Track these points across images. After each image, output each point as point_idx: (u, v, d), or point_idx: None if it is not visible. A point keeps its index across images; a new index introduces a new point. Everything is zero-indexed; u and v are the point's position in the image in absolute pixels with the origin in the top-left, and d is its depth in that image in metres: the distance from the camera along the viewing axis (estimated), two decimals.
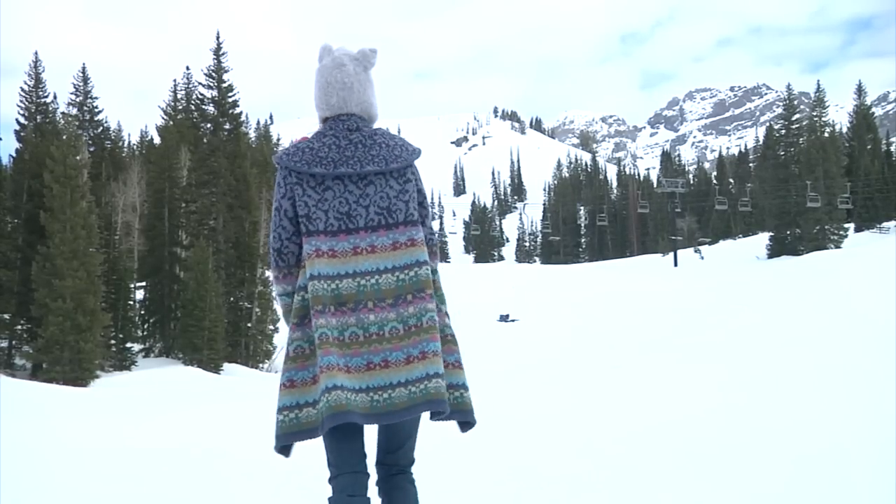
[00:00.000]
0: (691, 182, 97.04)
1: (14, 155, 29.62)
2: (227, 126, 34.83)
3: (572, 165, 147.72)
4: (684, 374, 10.77)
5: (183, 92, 39.24)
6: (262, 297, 33.01)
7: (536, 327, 29.72)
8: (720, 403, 7.41)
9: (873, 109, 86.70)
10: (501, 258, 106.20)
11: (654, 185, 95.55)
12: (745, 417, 6.54)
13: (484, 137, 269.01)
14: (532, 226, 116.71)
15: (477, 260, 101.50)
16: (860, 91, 61.84)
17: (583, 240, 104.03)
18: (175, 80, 40.32)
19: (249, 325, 32.44)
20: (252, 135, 66.21)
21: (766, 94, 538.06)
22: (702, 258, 54.88)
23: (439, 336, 2.19)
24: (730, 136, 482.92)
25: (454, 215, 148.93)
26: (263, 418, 7.44)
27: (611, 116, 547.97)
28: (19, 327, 26.88)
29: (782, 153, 53.35)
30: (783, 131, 54.47)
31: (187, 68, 38.99)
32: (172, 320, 30.89)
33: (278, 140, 79.69)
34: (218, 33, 34.36)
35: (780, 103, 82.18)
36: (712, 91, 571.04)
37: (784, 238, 49.19)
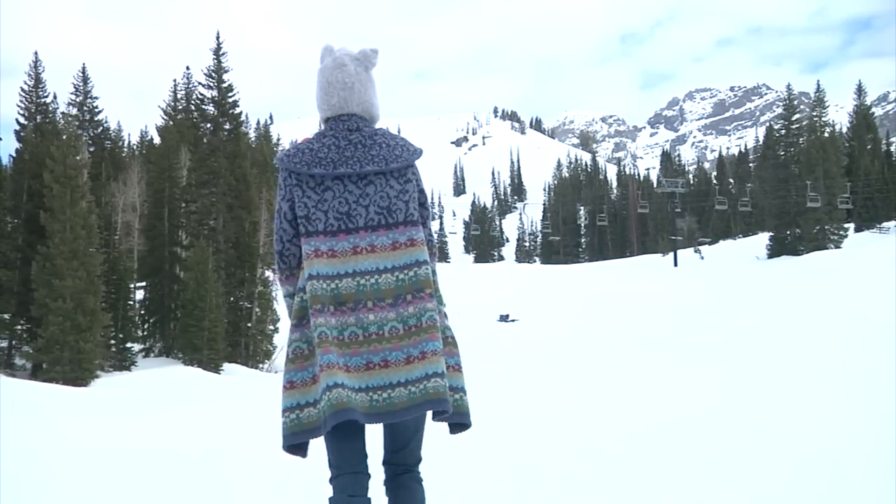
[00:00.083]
0: (691, 182, 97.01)
1: (14, 155, 29.62)
2: (227, 126, 34.82)
3: (572, 165, 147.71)
4: (684, 373, 10.77)
5: (183, 92, 39.24)
6: (262, 297, 33.00)
7: (536, 327, 29.71)
8: (720, 403, 7.41)
9: (873, 109, 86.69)
10: (501, 258, 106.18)
11: (654, 185, 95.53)
12: (745, 417, 6.54)
13: (484, 137, 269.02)
14: (532, 226, 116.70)
15: (477, 260, 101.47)
16: (860, 91, 61.84)
17: (583, 240, 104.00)
18: (175, 80, 40.32)
19: (249, 325, 32.43)
20: (252, 135, 66.20)
21: (766, 94, 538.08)
22: (702, 258, 54.88)
23: (440, 335, 2.19)
24: (730, 136, 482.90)
25: (454, 215, 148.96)
26: (263, 418, 7.45)
27: (611, 116, 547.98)
28: (19, 327, 26.87)
29: (782, 153, 53.35)
30: (783, 131, 54.46)
31: (187, 68, 39.00)
32: (172, 320, 30.88)
33: (278, 140, 79.68)
34: (218, 33, 34.38)
35: (780, 103, 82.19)
36: (712, 91, 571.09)
37: (784, 238, 49.18)
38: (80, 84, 35.90)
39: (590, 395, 9.00)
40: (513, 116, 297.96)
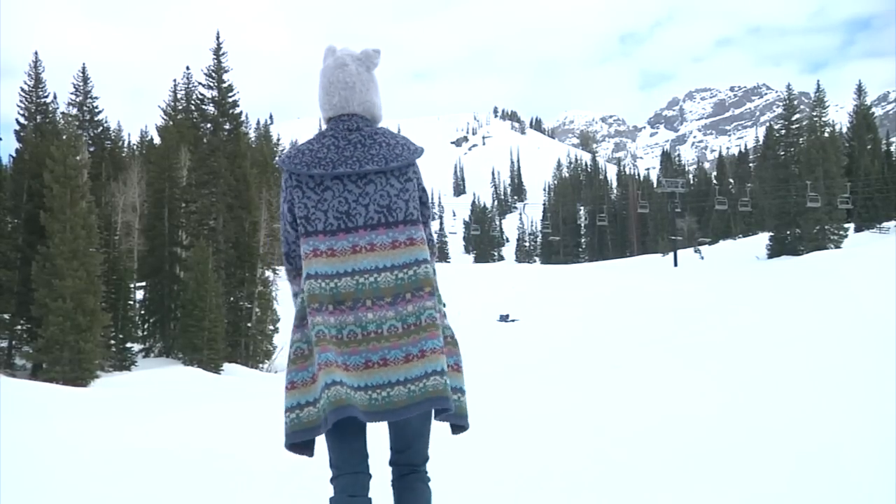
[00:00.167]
0: (691, 182, 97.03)
1: (14, 155, 29.61)
2: (227, 126, 34.82)
3: (572, 165, 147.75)
4: (684, 373, 10.78)
5: (183, 92, 39.27)
6: (262, 297, 33.00)
7: (536, 327, 29.71)
8: (720, 403, 7.42)
9: (873, 109, 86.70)
10: (501, 258, 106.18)
11: (654, 185, 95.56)
12: (745, 416, 6.54)
13: (484, 137, 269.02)
14: (532, 226, 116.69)
15: (477, 260, 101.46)
16: (860, 91, 61.84)
17: (583, 240, 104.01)
18: (175, 80, 40.37)
19: (249, 325, 32.43)
20: (252, 135, 66.20)
21: (766, 94, 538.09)
22: (702, 258, 54.88)
23: (440, 334, 2.19)
24: (730, 136, 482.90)
25: (454, 215, 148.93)
26: (263, 418, 7.45)
27: (611, 116, 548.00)
28: (19, 327, 26.86)
29: (782, 153, 53.34)
30: (783, 131, 54.46)
31: (187, 68, 39.01)
32: (172, 320, 30.88)
33: (278, 140, 79.65)
34: (218, 33, 34.37)
35: (780, 103, 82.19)
36: (712, 91, 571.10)
37: (784, 238, 49.19)
38: (80, 84, 35.92)
39: (590, 395, 8.99)
40: (513, 116, 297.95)
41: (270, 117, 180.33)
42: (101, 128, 37.09)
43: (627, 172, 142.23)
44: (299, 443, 2.22)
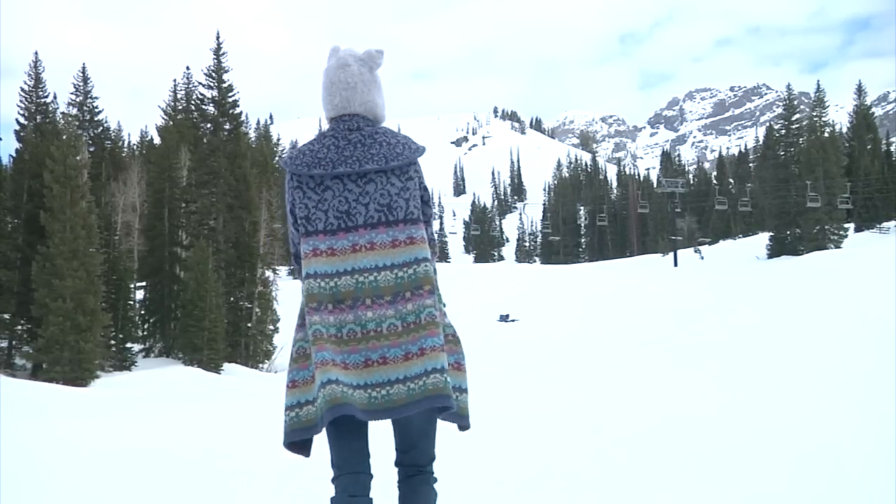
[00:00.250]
0: (691, 182, 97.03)
1: (14, 155, 29.60)
2: (227, 126, 34.80)
3: (572, 165, 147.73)
4: (684, 373, 10.78)
5: (183, 92, 39.28)
6: (262, 297, 33.00)
7: (536, 327, 29.71)
8: (720, 403, 7.42)
9: (873, 109, 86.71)
10: (501, 258, 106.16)
11: (654, 185, 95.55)
12: (745, 416, 6.54)
13: (484, 137, 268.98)
14: (532, 226, 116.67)
15: (477, 260, 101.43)
16: (860, 91, 61.85)
17: (583, 240, 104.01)
18: (175, 80, 40.37)
19: (249, 325, 32.43)
20: (252, 135, 66.16)
21: (766, 94, 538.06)
22: (702, 258, 54.87)
23: (440, 332, 2.19)
24: (730, 136, 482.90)
25: (454, 215, 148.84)
26: (263, 418, 7.45)
27: (611, 116, 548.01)
28: (19, 327, 26.86)
29: (782, 153, 53.34)
30: (783, 131, 54.45)
31: (187, 68, 39.01)
32: (172, 320, 30.88)
33: (278, 140, 79.63)
34: (218, 33, 34.34)
35: (780, 103, 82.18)
36: (712, 91, 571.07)
37: (784, 238, 49.18)
38: (80, 84, 35.91)
39: (590, 395, 9.00)
40: (513, 116, 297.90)
41: (270, 117, 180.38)
42: (101, 128, 37.08)
43: (627, 172, 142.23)
44: (297, 442, 2.23)
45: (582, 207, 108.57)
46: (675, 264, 52.48)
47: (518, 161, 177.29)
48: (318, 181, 2.23)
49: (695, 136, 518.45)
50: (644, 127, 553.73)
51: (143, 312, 31.72)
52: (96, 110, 36.33)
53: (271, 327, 32.70)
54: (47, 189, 24.36)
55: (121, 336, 28.20)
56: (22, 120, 30.84)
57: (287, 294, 33.10)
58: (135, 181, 32.62)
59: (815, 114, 53.37)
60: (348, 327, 2.16)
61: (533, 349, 23.31)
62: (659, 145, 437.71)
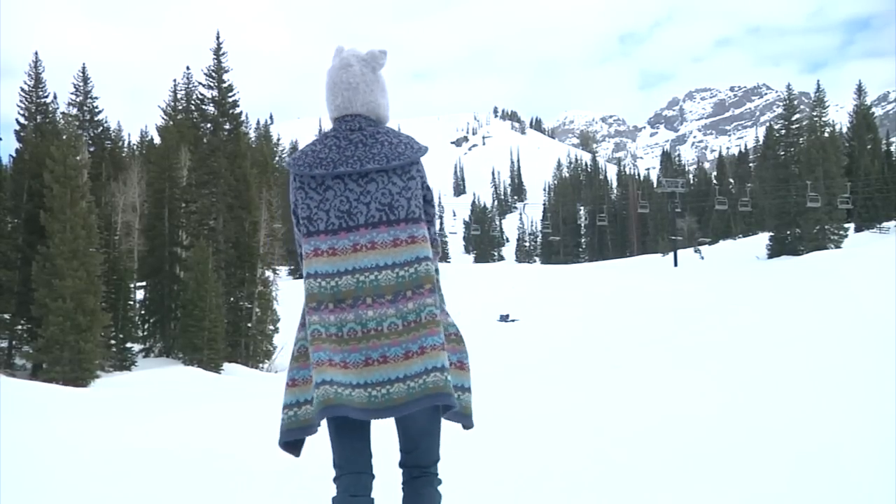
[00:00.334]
0: (691, 182, 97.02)
1: (14, 155, 29.60)
2: (227, 126, 34.80)
3: (572, 165, 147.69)
4: (684, 373, 10.78)
5: (183, 92, 39.29)
6: (262, 297, 33.00)
7: (536, 327, 29.72)
8: (720, 403, 7.42)
9: (873, 109, 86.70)
10: (501, 258, 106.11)
11: (654, 185, 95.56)
12: (745, 416, 6.54)
13: (484, 137, 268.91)
14: (532, 226, 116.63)
15: (477, 260, 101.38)
16: (860, 91, 61.84)
17: (583, 240, 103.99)
18: (175, 80, 40.39)
19: (249, 325, 32.43)
20: (252, 135, 66.17)
21: (766, 94, 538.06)
22: (702, 258, 54.86)
23: (441, 330, 2.18)
24: (730, 136, 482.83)
25: (454, 215, 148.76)
26: (263, 418, 7.45)
27: (611, 116, 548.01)
28: (19, 327, 26.86)
29: (782, 153, 53.34)
30: (783, 131, 54.45)
31: (187, 68, 39.03)
32: (172, 320, 30.88)
33: (278, 140, 79.64)
34: (218, 33, 34.36)
35: (780, 103, 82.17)
36: (712, 91, 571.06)
37: (784, 238, 49.18)
38: (80, 84, 35.90)
39: (590, 395, 9.00)
40: (513, 116, 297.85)
41: (270, 117, 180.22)
42: (101, 128, 37.07)
43: (627, 172, 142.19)
44: (290, 441, 2.26)
45: (582, 207, 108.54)
46: (675, 264, 52.47)
47: (518, 161, 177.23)
48: (320, 181, 2.24)
49: (695, 136, 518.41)
50: (644, 127, 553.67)
51: (143, 312, 31.73)
52: (96, 110, 36.34)
53: (271, 327, 32.70)
54: (47, 189, 24.36)
55: (121, 336, 28.19)
56: (22, 120, 30.84)
57: (287, 294, 33.11)
58: (135, 181, 32.62)
59: (815, 114, 53.37)
60: (349, 326, 2.16)
61: (533, 349, 23.32)
62: (659, 145, 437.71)
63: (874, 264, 29.82)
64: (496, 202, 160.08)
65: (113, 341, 27.32)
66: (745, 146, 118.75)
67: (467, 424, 2.30)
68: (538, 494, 4.27)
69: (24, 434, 6.98)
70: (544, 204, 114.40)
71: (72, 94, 35.78)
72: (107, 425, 8.18)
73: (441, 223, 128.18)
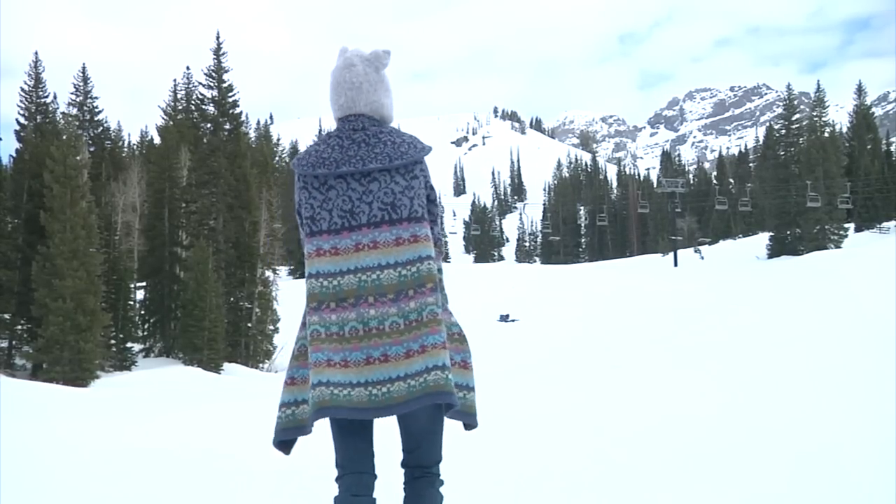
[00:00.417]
0: (691, 182, 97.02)
1: (14, 155, 29.58)
2: (227, 126, 34.78)
3: (572, 165, 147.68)
4: (684, 373, 10.78)
5: (183, 92, 39.28)
6: (262, 297, 32.99)
7: (536, 327, 29.71)
8: (720, 403, 7.42)
9: (873, 109, 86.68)
10: (501, 258, 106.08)
11: (654, 185, 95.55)
12: (745, 416, 6.54)
13: (484, 137, 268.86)
14: (532, 226, 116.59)
15: (477, 260, 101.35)
16: (860, 91, 61.83)
17: (583, 240, 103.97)
18: (175, 80, 40.38)
19: (249, 325, 32.42)
20: (252, 135, 66.16)
21: (766, 94, 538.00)
22: (702, 258, 54.85)
23: (442, 329, 2.18)
24: (730, 136, 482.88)
25: (454, 215, 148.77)
26: (263, 418, 7.44)
27: (611, 116, 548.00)
28: (19, 327, 26.84)
29: (782, 153, 53.34)
30: (783, 131, 54.45)
31: (187, 68, 39.02)
32: (172, 320, 30.87)
33: (278, 140, 79.62)
34: (218, 33, 34.38)
35: (780, 103, 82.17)
36: (712, 91, 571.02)
37: (784, 238, 49.18)
38: (80, 84, 35.89)
39: (590, 395, 9.00)
40: (513, 116, 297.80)
41: (270, 117, 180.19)
42: (101, 128, 37.05)
43: (627, 172, 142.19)
44: (284, 440, 2.27)
45: (582, 207, 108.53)
46: (675, 264, 52.46)
47: (518, 161, 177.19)
48: (323, 181, 2.24)
49: (695, 136, 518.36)
50: (644, 127, 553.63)
51: (143, 312, 31.72)
52: (96, 110, 36.33)
53: (271, 327, 32.70)
54: (47, 189, 24.36)
55: (121, 336, 28.19)
56: (22, 120, 30.82)
57: (287, 294, 33.12)
58: (135, 181, 32.61)
59: (815, 114, 53.36)
60: (350, 325, 2.16)
61: (533, 349, 23.31)
62: (659, 145, 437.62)
63: (874, 264, 29.82)
64: (496, 202, 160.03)
65: (113, 341, 27.31)
66: (745, 146, 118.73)
67: (472, 423, 2.30)
68: (538, 494, 4.27)
69: (24, 434, 6.98)
70: (544, 204, 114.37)
71: (72, 94, 35.80)
72: (107, 425, 8.18)
73: (441, 223, 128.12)
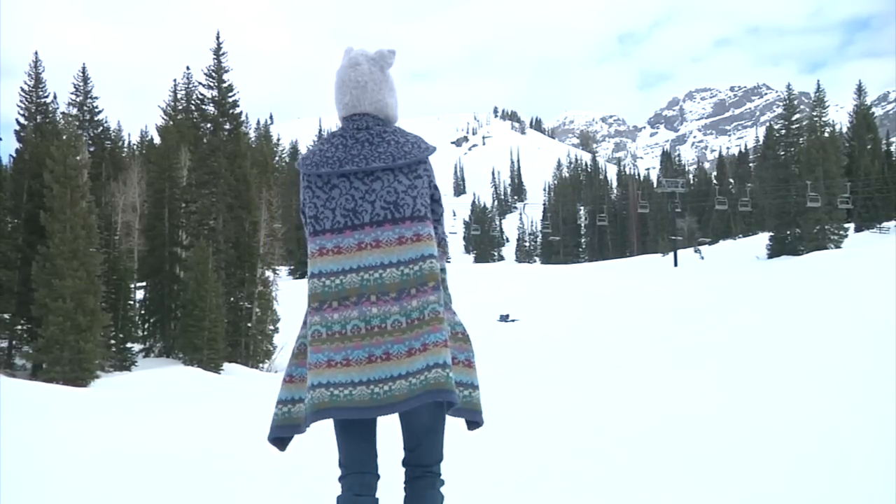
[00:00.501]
0: (691, 182, 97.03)
1: (14, 155, 29.60)
2: (227, 126, 34.80)
3: (572, 165, 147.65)
4: (684, 373, 10.78)
5: (183, 92, 39.28)
6: (262, 297, 32.99)
7: (536, 327, 29.70)
8: (720, 403, 7.42)
9: (873, 109, 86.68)
10: (501, 258, 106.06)
11: (654, 185, 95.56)
12: (745, 416, 6.54)
13: (484, 137, 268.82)
14: (532, 226, 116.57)
15: (477, 260, 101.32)
16: (860, 91, 61.82)
17: (583, 240, 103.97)
18: (175, 80, 40.39)
19: (249, 325, 32.43)
20: (252, 135, 66.14)
21: (766, 94, 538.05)
22: (702, 258, 54.84)
23: (444, 327, 2.18)
24: (730, 136, 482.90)
25: (454, 215, 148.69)
26: (263, 418, 7.45)
27: (611, 116, 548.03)
28: (19, 327, 26.86)
29: (782, 153, 53.32)
30: (783, 131, 54.43)
31: (187, 68, 39.04)
32: (172, 320, 30.88)
33: (278, 140, 79.61)
34: (218, 33, 34.41)
35: (780, 103, 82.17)
36: (712, 91, 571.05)
37: (784, 238, 49.17)
38: (80, 84, 35.90)
39: (590, 395, 8.99)
40: (513, 116, 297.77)
41: (270, 117, 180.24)
42: (101, 128, 37.06)
43: (627, 172, 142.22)
44: (279, 437, 2.28)
45: (582, 207, 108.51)
46: (675, 264, 52.45)
47: (518, 161, 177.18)
48: (326, 180, 2.25)
49: (695, 136, 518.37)
50: (644, 127, 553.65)
51: (143, 312, 31.73)
52: (96, 110, 36.33)
53: (271, 327, 32.71)
54: (47, 189, 24.36)
55: (121, 336, 28.20)
56: (22, 120, 30.83)
57: (287, 294, 33.11)
58: (135, 181, 32.62)
59: (815, 114, 53.34)
60: (352, 323, 2.17)
61: (533, 349, 23.30)
62: (659, 145, 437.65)
63: (874, 264, 29.81)
64: (496, 202, 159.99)
65: (113, 341, 27.32)
66: (745, 146, 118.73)
67: (478, 421, 2.31)
68: (538, 494, 4.27)
69: (24, 434, 6.98)
70: (544, 204, 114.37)
71: (72, 94, 35.81)
72: (107, 425, 8.18)
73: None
